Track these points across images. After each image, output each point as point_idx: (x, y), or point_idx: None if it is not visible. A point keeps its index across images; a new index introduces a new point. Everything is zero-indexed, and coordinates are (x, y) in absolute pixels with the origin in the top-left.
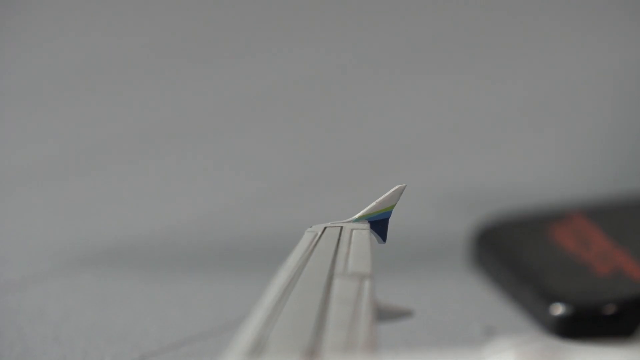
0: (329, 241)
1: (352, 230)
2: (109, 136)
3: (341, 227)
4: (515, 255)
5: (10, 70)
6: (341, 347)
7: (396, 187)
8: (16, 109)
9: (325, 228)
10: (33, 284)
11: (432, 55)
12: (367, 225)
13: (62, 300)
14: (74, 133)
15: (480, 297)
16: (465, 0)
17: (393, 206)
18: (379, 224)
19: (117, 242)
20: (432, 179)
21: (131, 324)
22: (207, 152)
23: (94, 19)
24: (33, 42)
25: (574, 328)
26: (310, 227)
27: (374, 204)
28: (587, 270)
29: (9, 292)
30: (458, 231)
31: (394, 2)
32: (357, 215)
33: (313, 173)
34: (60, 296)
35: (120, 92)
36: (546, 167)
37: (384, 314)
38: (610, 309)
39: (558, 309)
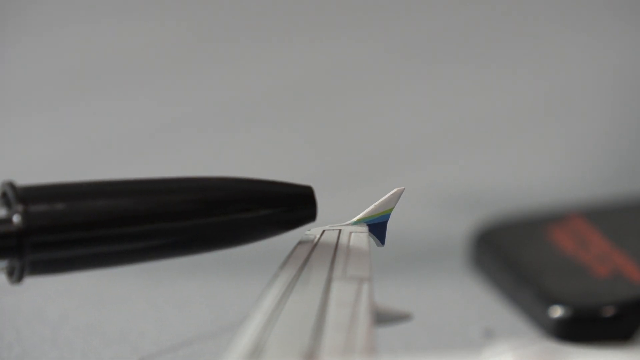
0: (327, 244)
1: (350, 233)
2: (109, 135)
3: (339, 230)
4: (514, 256)
5: (10, 70)
6: (340, 350)
7: (394, 190)
8: (17, 108)
9: (323, 231)
10: (31, 286)
11: (433, 57)
12: (365, 228)
13: (60, 302)
14: (74, 132)
15: (479, 299)
16: (467, 1)
17: (391, 209)
18: (377, 227)
19: None
20: (432, 180)
21: (129, 326)
22: (206, 152)
23: (94, 19)
24: (33, 42)
25: (573, 330)
26: (309, 230)
27: (372, 207)
28: (585, 272)
29: (8, 293)
30: (457, 233)
31: (396, 2)
32: (355, 218)
33: (311, 175)
34: (58, 298)
35: (121, 91)
36: (545, 168)
37: (382, 317)
38: (609, 311)
39: (557, 311)
